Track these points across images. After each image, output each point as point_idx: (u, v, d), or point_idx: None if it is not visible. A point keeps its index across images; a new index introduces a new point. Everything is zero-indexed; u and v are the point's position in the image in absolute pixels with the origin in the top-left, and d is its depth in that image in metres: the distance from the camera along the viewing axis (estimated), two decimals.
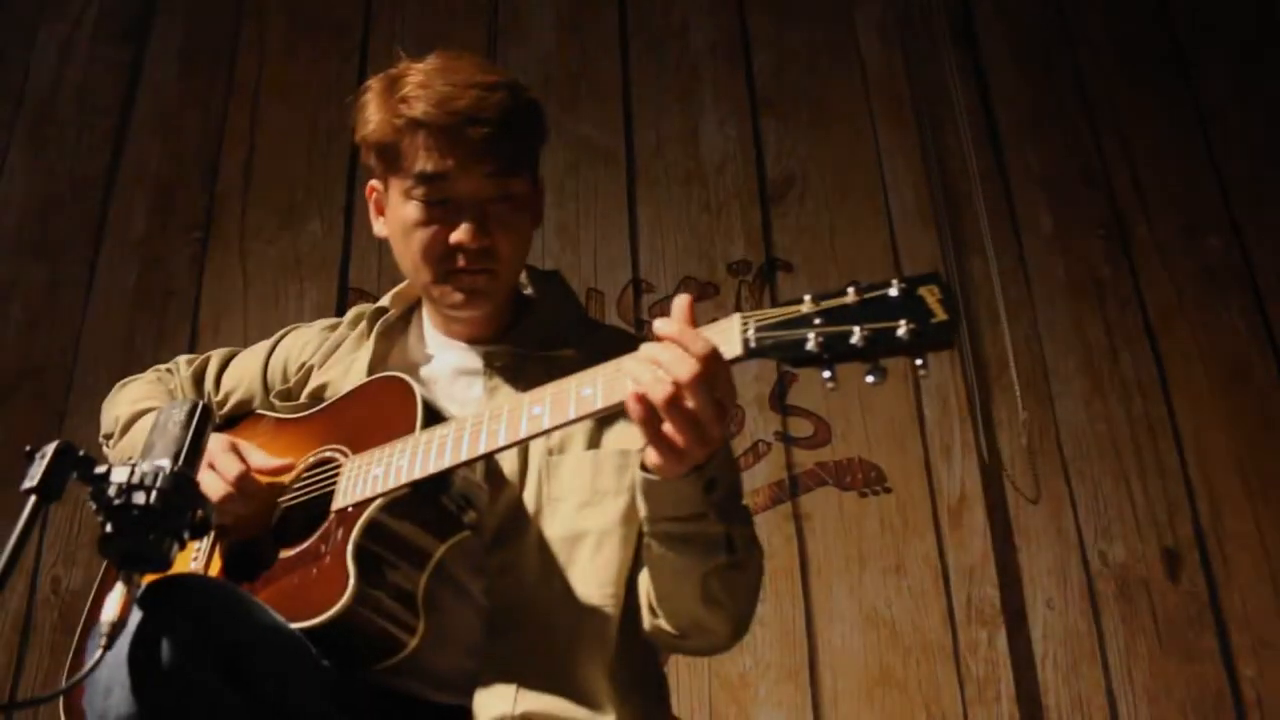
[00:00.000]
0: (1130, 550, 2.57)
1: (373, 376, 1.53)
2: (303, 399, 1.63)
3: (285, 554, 1.41)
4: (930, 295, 1.08)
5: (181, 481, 1.16)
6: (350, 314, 1.72)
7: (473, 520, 1.39)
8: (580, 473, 1.46)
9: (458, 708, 1.39)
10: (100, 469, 1.15)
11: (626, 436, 1.48)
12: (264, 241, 2.80)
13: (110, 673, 1.12)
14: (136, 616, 1.15)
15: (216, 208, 2.84)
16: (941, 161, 2.95)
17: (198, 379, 1.75)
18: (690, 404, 1.12)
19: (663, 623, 1.38)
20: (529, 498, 1.46)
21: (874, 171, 2.90)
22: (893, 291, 1.08)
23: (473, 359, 1.56)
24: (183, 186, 2.87)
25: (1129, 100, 3.08)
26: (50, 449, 1.14)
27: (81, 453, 1.16)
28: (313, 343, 1.69)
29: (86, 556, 2.50)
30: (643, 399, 1.14)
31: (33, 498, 1.12)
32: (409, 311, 1.68)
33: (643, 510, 1.27)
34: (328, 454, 1.49)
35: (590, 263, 2.74)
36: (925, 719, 2.37)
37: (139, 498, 1.12)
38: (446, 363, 1.57)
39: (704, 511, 1.23)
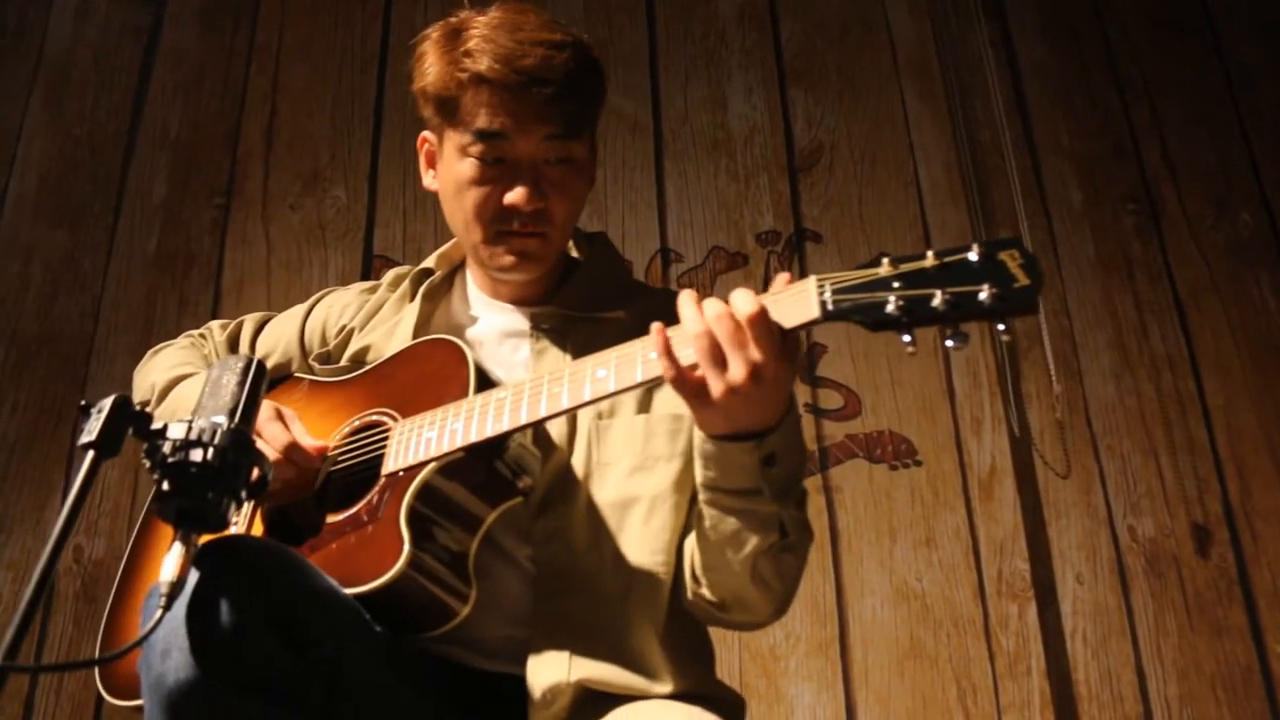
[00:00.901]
0: (1159, 526, 2.56)
1: (420, 339, 1.50)
2: (343, 362, 1.60)
3: (332, 519, 1.38)
4: (1011, 260, 1.06)
5: (240, 439, 1.13)
6: (389, 276, 1.69)
7: (527, 485, 1.37)
8: (631, 437, 1.43)
9: (506, 676, 1.37)
10: (157, 425, 1.13)
11: (678, 400, 1.45)
12: (287, 207, 2.76)
13: (168, 634, 1.09)
14: (194, 577, 1.12)
15: (239, 172, 2.80)
16: (970, 134, 2.92)
17: (232, 343, 1.72)
18: (719, 346, 1.11)
19: (705, 592, 1.36)
20: (578, 463, 1.43)
21: (903, 142, 2.87)
22: (973, 255, 1.06)
23: (519, 321, 1.53)
24: (203, 150, 2.83)
25: (1159, 73, 3.04)
26: (107, 403, 1.11)
27: (137, 407, 1.14)
28: (352, 305, 1.66)
29: (108, 525, 2.47)
30: (667, 343, 1.14)
31: (91, 453, 1.09)
32: (452, 273, 1.65)
33: (700, 475, 1.25)
34: (374, 418, 1.46)
35: (618, 232, 2.70)
36: (956, 693, 2.36)
37: (196, 455, 1.10)
38: (492, 325, 1.54)
39: (759, 488, 1.21)
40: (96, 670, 1.52)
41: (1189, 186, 2.91)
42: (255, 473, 1.15)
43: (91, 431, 1.09)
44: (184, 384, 1.60)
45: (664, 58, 2.96)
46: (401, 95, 2.88)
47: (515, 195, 1.41)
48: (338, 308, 1.66)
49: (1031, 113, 2.98)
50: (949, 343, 1.07)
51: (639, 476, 1.41)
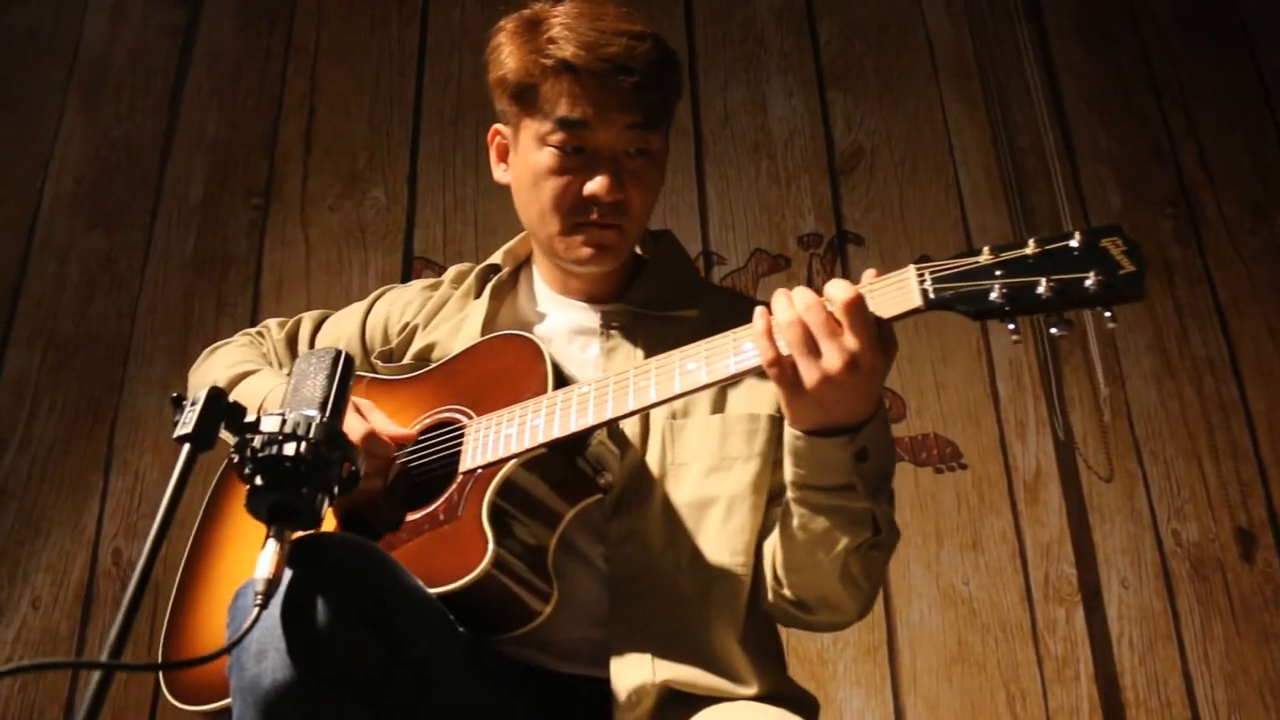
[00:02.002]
0: (1204, 530, 2.55)
1: (490, 335, 1.48)
2: (407, 360, 1.58)
3: (410, 518, 1.36)
4: (1114, 247, 1.07)
5: (333, 432, 1.11)
6: (451, 273, 1.68)
7: (607, 482, 1.35)
8: (707, 437, 1.41)
9: (583, 678, 1.35)
10: (249, 418, 1.11)
11: (753, 400, 1.44)
12: (326, 208, 2.75)
13: (263, 635, 1.07)
14: (287, 575, 1.10)
15: (276, 174, 2.78)
16: (1009, 137, 2.91)
17: (291, 341, 1.70)
18: (811, 334, 1.10)
19: (788, 593, 1.34)
20: (652, 462, 1.42)
21: (942, 145, 2.86)
22: (1074, 243, 1.07)
23: (589, 318, 1.51)
24: (241, 151, 2.82)
25: (1195, 77, 3.04)
26: (201, 395, 1.09)
27: (232, 400, 1.12)
28: (415, 302, 1.64)
29: (147, 528, 2.43)
30: (769, 326, 1.13)
31: (186, 446, 1.06)
32: (517, 269, 1.63)
33: (789, 474, 1.22)
34: (446, 415, 1.44)
35: None
36: (1004, 698, 2.34)
37: (289, 448, 1.07)
38: (561, 321, 1.53)
39: (852, 483, 1.19)
40: (162, 675, 1.50)
41: (1226, 191, 2.91)
42: (347, 468, 1.13)
43: (187, 424, 1.07)
44: (247, 381, 1.58)
45: (703, 60, 2.95)
46: (440, 97, 2.87)
47: (596, 184, 1.39)
48: (400, 305, 1.65)
49: (1069, 115, 2.98)
50: (1053, 330, 1.08)
51: (716, 477, 1.39)
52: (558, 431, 1.29)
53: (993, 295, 1.06)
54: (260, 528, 1.56)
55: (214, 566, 1.56)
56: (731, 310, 1.46)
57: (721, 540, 1.37)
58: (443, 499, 1.34)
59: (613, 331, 1.49)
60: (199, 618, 1.51)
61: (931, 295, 1.09)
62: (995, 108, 2.93)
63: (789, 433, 1.20)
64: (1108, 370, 2.69)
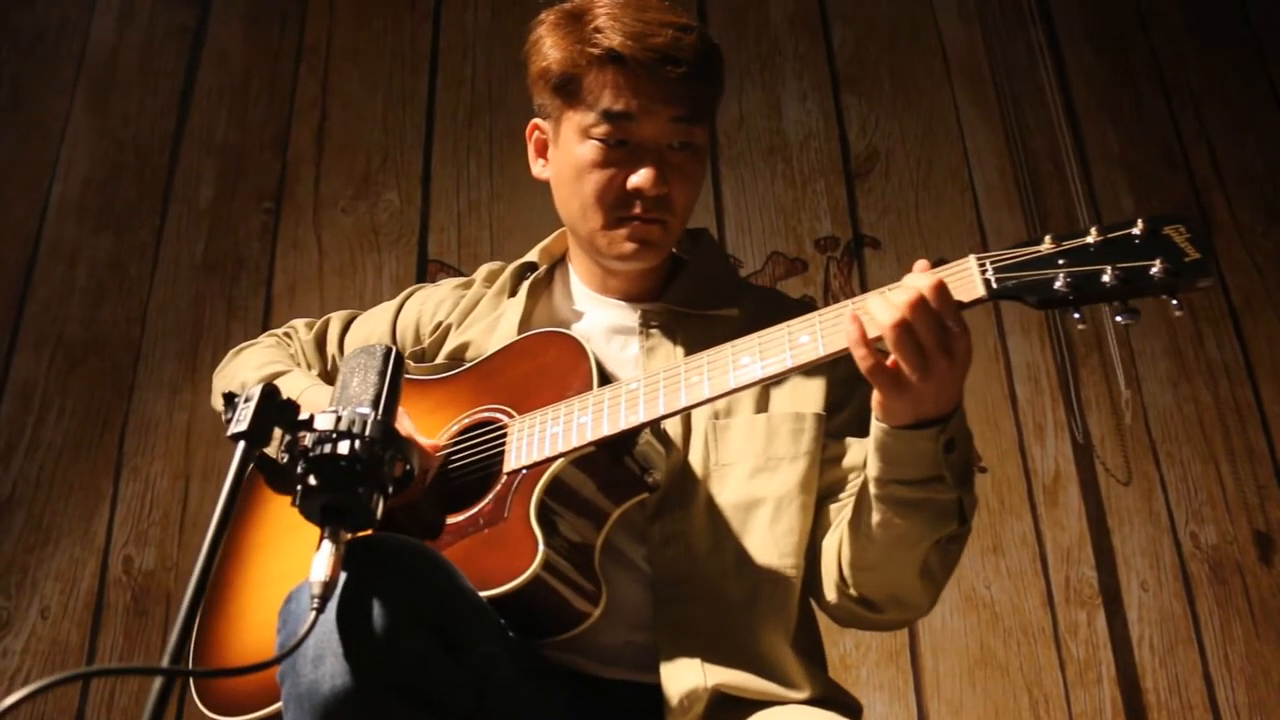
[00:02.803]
0: (1221, 533, 2.55)
1: (529, 333, 1.46)
2: (440, 359, 1.56)
3: (451, 520, 1.33)
4: (1178, 234, 1.09)
5: (388, 430, 1.08)
6: (482, 271, 1.66)
7: (655, 482, 1.32)
8: (752, 437, 1.39)
9: (627, 683, 1.33)
10: (303, 415, 1.08)
11: (797, 398, 1.43)
12: (339, 211, 2.72)
13: (319, 639, 1.03)
14: (342, 578, 1.07)
15: (289, 176, 2.75)
16: (1022, 140, 2.91)
17: (320, 342, 1.68)
18: (915, 329, 1.08)
19: (855, 592, 1.32)
20: (695, 463, 1.40)
21: (957, 148, 2.86)
22: (1136, 231, 1.07)
23: (628, 317, 1.49)
24: (251, 153, 2.78)
25: (1204, 81, 3.05)
26: (256, 391, 1.06)
27: (285, 397, 1.09)
28: (447, 301, 1.62)
29: (158, 536, 2.41)
30: (863, 332, 1.11)
31: (242, 443, 1.04)
32: (552, 268, 1.61)
33: (873, 469, 1.20)
34: (485, 415, 1.42)
35: None
36: (1028, 701, 2.33)
37: (343, 447, 1.04)
38: (599, 320, 1.51)
39: (940, 474, 1.17)
40: (193, 685, 1.47)
41: (1238, 194, 2.91)
42: (401, 466, 1.11)
43: (242, 420, 1.04)
44: (278, 382, 1.55)
45: None
46: (453, 99, 2.85)
47: (641, 178, 1.37)
48: (431, 304, 1.62)
49: (1080, 119, 2.98)
50: (1119, 318, 1.08)
51: (762, 477, 1.37)
52: (607, 429, 1.27)
53: (1057, 284, 1.07)
54: (292, 532, 1.55)
55: (243, 573, 1.53)
56: (773, 309, 1.45)
57: (770, 542, 1.36)
58: (487, 500, 1.32)
59: (653, 330, 1.47)
60: (232, 625, 1.47)
61: (995, 285, 1.09)
62: (1009, 111, 2.92)
63: (878, 429, 1.18)
64: (1124, 374, 2.69)
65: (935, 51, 2.98)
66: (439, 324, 1.59)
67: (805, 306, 1.73)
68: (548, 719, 1.23)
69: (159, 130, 2.80)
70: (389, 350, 1.16)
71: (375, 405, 1.11)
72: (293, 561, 1.49)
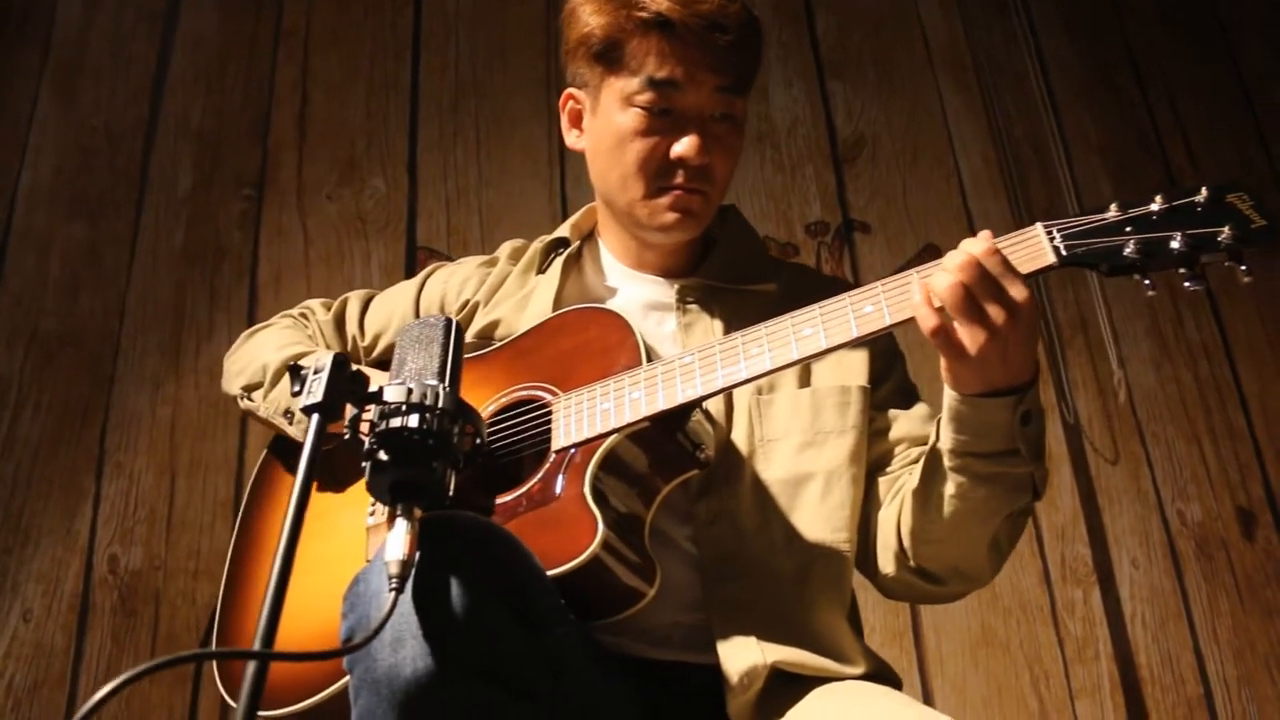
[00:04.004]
0: (1206, 510, 2.60)
1: (565, 310, 1.43)
2: (469, 339, 1.52)
3: (500, 500, 1.30)
4: (1241, 202, 1.13)
5: (459, 402, 1.05)
6: (506, 249, 1.63)
7: (707, 457, 1.30)
8: (798, 412, 1.38)
9: (678, 664, 1.31)
10: (372, 387, 1.04)
11: (840, 372, 1.42)
12: (324, 198, 2.65)
13: (397, 622, 0.97)
14: (417, 557, 1.02)
15: (270, 162, 2.68)
16: (1004, 128, 2.94)
17: (339, 322, 1.63)
18: (972, 291, 1.09)
19: (915, 564, 1.32)
20: (739, 440, 1.38)
21: (941, 134, 2.88)
22: (1199, 199, 1.11)
23: (664, 292, 1.47)
24: (230, 140, 2.70)
25: (1177, 72, 3.11)
26: (327, 362, 1.02)
27: (355, 369, 1.05)
28: (473, 279, 1.58)
29: (145, 534, 2.33)
30: (928, 295, 1.11)
31: (315, 415, 0.99)
32: (580, 243, 1.59)
33: (949, 441, 1.19)
34: (525, 394, 1.39)
35: None
36: (1029, 678, 2.36)
37: (414, 420, 1.00)
38: (634, 296, 1.48)
39: (1015, 448, 1.17)
40: (219, 680, 1.42)
41: (1213, 180, 2.97)
42: (470, 440, 1.07)
43: (314, 393, 1.00)
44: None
45: None
46: (437, 84, 2.80)
47: (684, 146, 1.35)
48: (455, 282, 1.59)
49: (1060, 108, 3.02)
50: (1188, 284, 1.09)
51: (810, 452, 1.36)
52: (663, 404, 1.24)
53: (1127, 250, 1.09)
54: (317, 519, 1.50)
55: (268, 564, 1.48)
56: (810, 285, 1.44)
57: (820, 517, 1.34)
58: (536, 479, 1.29)
59: (689, 305, 1.46)
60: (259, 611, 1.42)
61: (1064, 251, 1.11)
62: (991, 97, 2.96)
63: (950, 397, 1.18)
64: (1107, 355, 2.73)
65: (917, 40, 3.00)
66: (465, 302, 1.55)
67: (840, 283, 1.73)
68: (613, 701, 1.20)
69: (131, 116, 2.71)
70: (449, 321, 1.12)
71: (441, 377, 1.07)
72: (321, 548, 1.44)
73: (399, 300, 1.61)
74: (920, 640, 2.37)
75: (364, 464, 1.02)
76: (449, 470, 1.03)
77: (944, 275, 1.10)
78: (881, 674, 1.35)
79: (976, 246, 1.11)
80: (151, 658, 2.22)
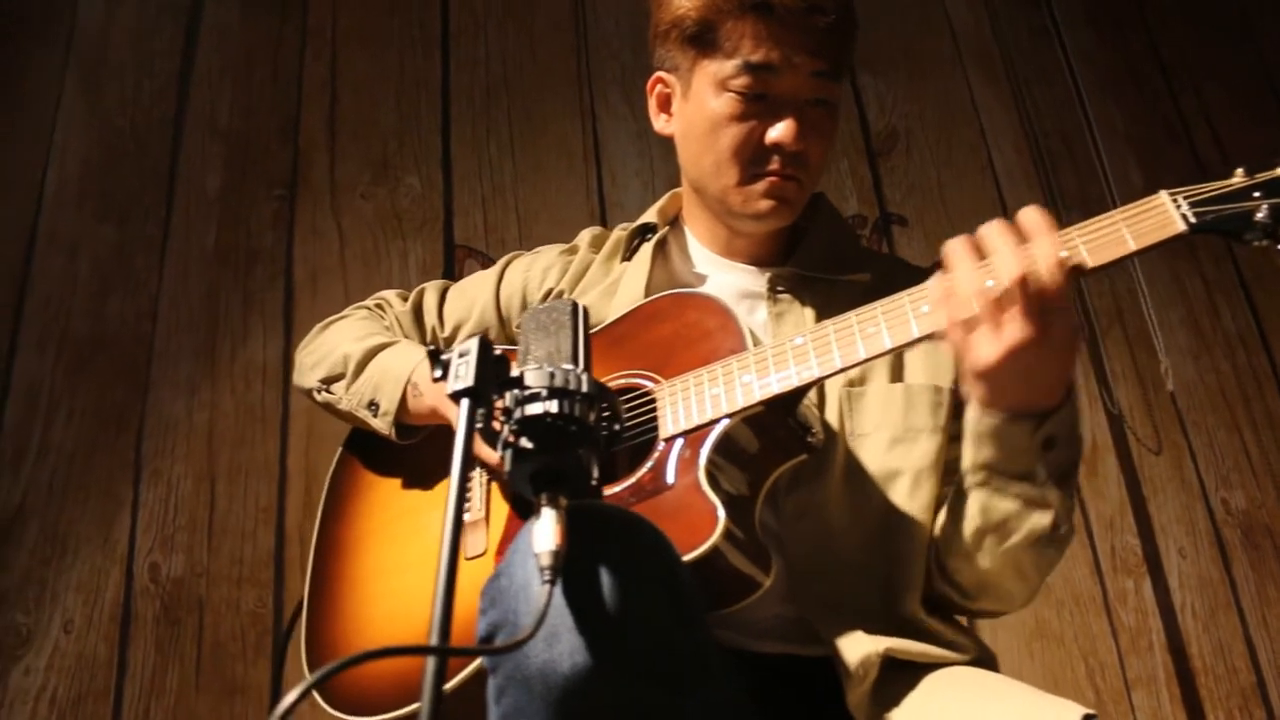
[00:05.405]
0: (1250, 498, 2.60)
1: (657, 296, 1.40)
2: None
3: (609, 492, 1.26)
4: None
5: (599, 386, 1.01)
6: (585, 236, 1.60)
7: (817, 440, 1.27)
8: (890, 407, 1.35)
9: (781, 656, 1.28)
10: (513, 371, 1.00)
11: (932, 370, 1.39)
12: (358, 197, 2.60)
13: (552, 615, 0.92)
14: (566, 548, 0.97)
15: (302, 162, 2.63)
16: (1034, 119, 2.94)
17: (417, 312, 1.60)
18: (1004, 310, 1.05)
19: (949, 576, 1.29)
20: (830, 432, 1.35)
21: (973, 126, 2.88)
22: None
23: (755, 280, 1.44)
24: (259, 139, 2.65)
25: (1200, 59, 3.12)
26: (472, 346, 0.98)
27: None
28: (555, 268, 1.55)
29: (186, 541, 2.27)
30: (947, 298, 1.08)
31: (465, 400, 0.95)
32: (667, 230, 1.56)
33: (974, 456, 1.17)
34: (623, 382, 1.35)
35: None
36: (1084, 670, 2.34)
37: (557, 406, 0.96)
38: (724, 284, 1.45)
39: (1034, 470, 1.14)
40: (317, 689, 1.37)
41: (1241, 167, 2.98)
42: (615, 427, 1.04)
43: (462, 377, 0.95)
44: (388, 353, 1.46)
45: None
46: (468, 80, 2.76)
47: (780, 131, 1.32)
48: (538, 271, 1.55)
49: (1086, 98, 3.02)
50: None
51: (901, 449, 1.33)
52: (777, 387, 1.21)
53: (1259, 215, 1.06)
54: (400, 519, 1.47)
55: (354, 567, 1.44)
56: (903, 275, 1.41)
57: (909, 514, 1.31)
58: (646, 469, 1.25)
59: (780, 295, 1.42)
60: (354, 621, 1.38)
61: (1193, 219, 1.08)
62: (1020, 89, 2.95)
63: (971, 411, 1.15)
64: (1146, 343, 2.73)
65: (945, 33, 2.99)
66: (549, 291, 1.52)
67: (931, 273, 1.70)
68: (738, 696, 1.17)
69: (158, 114, 2.65)
70: (575, 304, 1.09)
71: (574, 360, 1.03)
72: (408, 550, 1.41)
73: (479, 290, 1.57)
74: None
75: (502, 453, 0.98)
76: (592, 456, 0.99)
77: (969, 276, 1.07)
78: (988, 659, 1.33)
79: (1042, 247, 1.06)
80: (197, 668, 2.17)
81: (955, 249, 1.10)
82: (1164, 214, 1.09)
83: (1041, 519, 1.17)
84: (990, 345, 1.06)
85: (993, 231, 1.09)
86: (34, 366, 2.38)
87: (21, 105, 2.61)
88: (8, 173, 2.54)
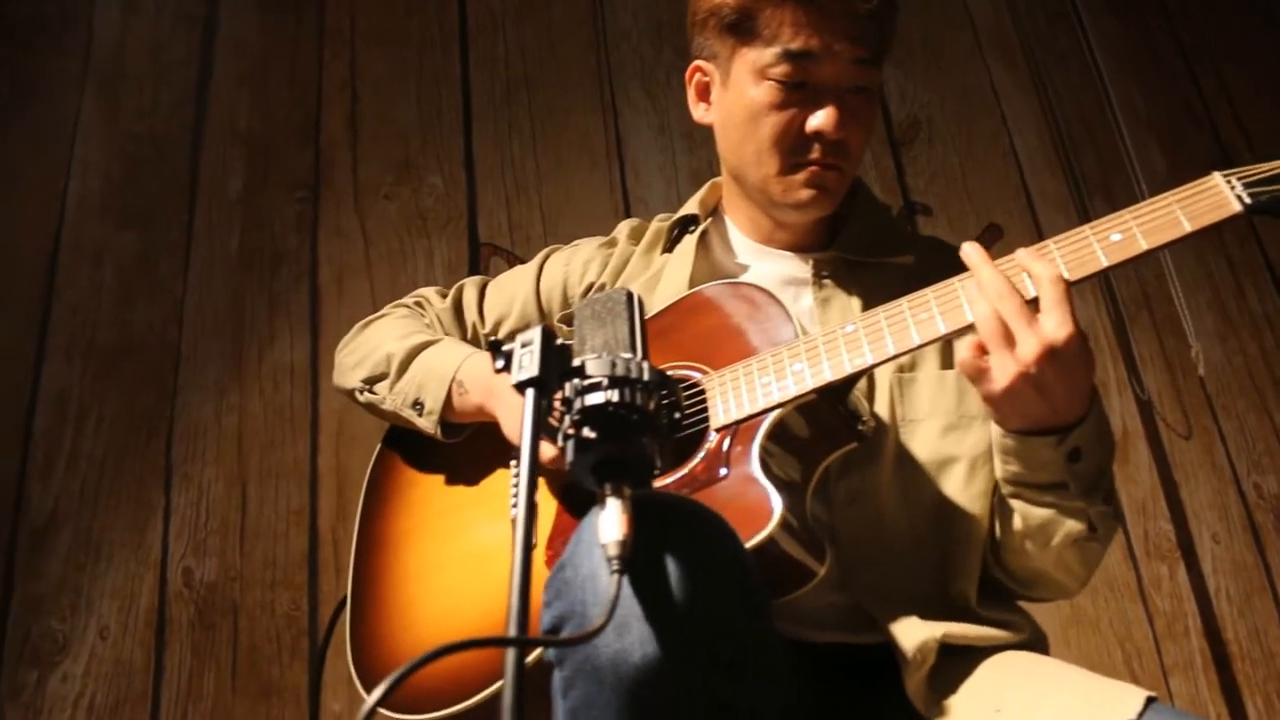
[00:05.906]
0: None
1: (701, 287, 1.39)
2: None
3: (662, 484, 1.25)
4: None
5: (660, 374, 1.00)
6: (624, 229, 1.59)
7: (869, 428, 1.27)
8: (942, 393, 1.34)
9: (836, 645, 1.27)
10: (575, 361, 0.99)
11: None
12: (382, 197, 2.60)
13: (622, 605, 0.91)
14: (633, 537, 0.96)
15: (323, 163, 2.62)
16: (1055, 105, 2.93)
17: (457, 309, 1.59)
18: (1014, 333, 1.06)
19: (1002, 565, 1.30)
20: (881, 419, 1.34)
21: (994, 114, 2.87)
22: None
23: (799, 268, 1.43)
24: (279, 142, 2.65)
25: (1220, 42, 3.11)
26: (534, 335, 0.97)
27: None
28: (595, 261, 1.54)
29: (218, 545, 2.27)
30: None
31: (531, 391, 0.94)
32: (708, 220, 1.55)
33: (1001, 470, 1.18)
34: (673, 373, 1.34)
35: None
36: (1121, 656, 2.33)
37: (620, 395, 0.95)
38: (768, 272, 1.44)
39: (1064, 481, 1.15)
40: (356, 677, 1.37)
41: (1264, 150, 2.96)
42: (670, 415, 1.03)
43: (526, 367, 0.95)
44: (431, 351, 1.45)
45: None
46: (488, 78, 2.76)
47: (821, 119, 1.31)
48: (578, 264, 1.55)
49: (1108, 83, 3.01)
50: None
51: (955, 435, 1.32)
52: (830, 375, 1.20)
53: None
54: (442, 516, 1.46)
55: (397, 564, 1.43)
56: (947, 256, 1.40)
57: (964, 502, 1.30)
58: (698, 459, 1.24)
59: (825, 281, 1.41)
60: (399, 619, 1.37)
61: (1248, 199, 1.07)
62: (1040, 75, 2.94)
63: (994, 428, 1.16)
64: (1174, 328, 2.72)
65: (964, 22, 2.98)
66: (590, 284, 1.51)
67: None
68: (801, 686, 1.16)
69: (177, 122, 2.65)
70: (630, 294, 1.07)
71: (633, 349, 1.02)
72: (452, 546, 1.40)
73: (519, 285, 1.56)
74: None
75: (562, 444, 0.97)
76: (655, 444, 0.98)
77: (978, 302, 1.08)
78: (1038, 638, 1.34)
79: (1039, 268, 1.07)
80: (233, 671, 2.17)
81: (969, 283, 1.11)
82: (1218, 195, 1.08)
83: (1076, 524, 1.18)
84: (999, 370, 1.07)
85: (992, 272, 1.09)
86: (62, 375, 2.38)
87: (40, 117, 2.61)
88: (29, 183, 2.54)
